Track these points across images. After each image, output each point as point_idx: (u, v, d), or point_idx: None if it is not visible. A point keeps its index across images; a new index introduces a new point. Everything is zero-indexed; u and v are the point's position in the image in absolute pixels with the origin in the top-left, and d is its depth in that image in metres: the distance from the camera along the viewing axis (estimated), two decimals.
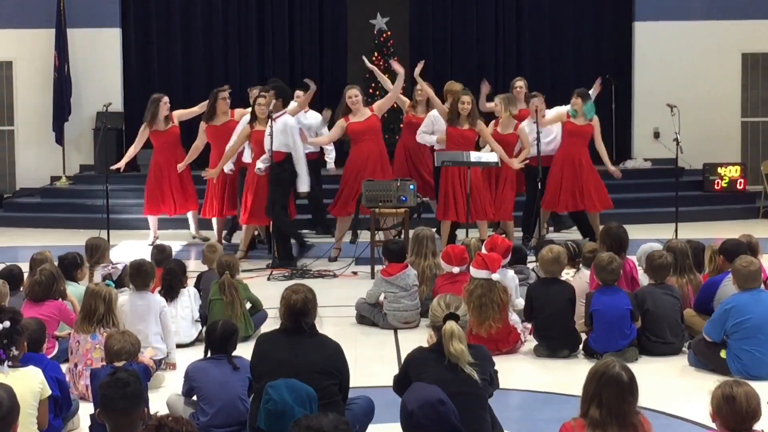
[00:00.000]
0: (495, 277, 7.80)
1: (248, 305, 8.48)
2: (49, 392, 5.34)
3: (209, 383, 6.02)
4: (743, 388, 4.37)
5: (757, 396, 4.39)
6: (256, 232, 12.76)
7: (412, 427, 4.76)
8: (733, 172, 15.73)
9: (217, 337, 6.18)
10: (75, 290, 8.19)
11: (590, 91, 12.73)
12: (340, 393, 5.55)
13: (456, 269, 8.45)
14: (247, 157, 12.10)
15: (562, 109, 12.73)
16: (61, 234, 13.08)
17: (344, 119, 11.96)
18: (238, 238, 12.63)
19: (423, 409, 4.74)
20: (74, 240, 12.15)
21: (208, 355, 6.22)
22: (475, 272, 7.89)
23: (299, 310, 5.57)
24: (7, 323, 5.31)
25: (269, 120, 11.44)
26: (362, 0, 18.10)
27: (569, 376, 7.11)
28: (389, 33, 18.11)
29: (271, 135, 11.38)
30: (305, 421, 3.95)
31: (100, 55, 16.56)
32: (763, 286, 7.41)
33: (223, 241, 12.72)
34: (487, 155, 11.81)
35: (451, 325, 5.35)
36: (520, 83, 13.25)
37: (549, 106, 12.87)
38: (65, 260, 8.45)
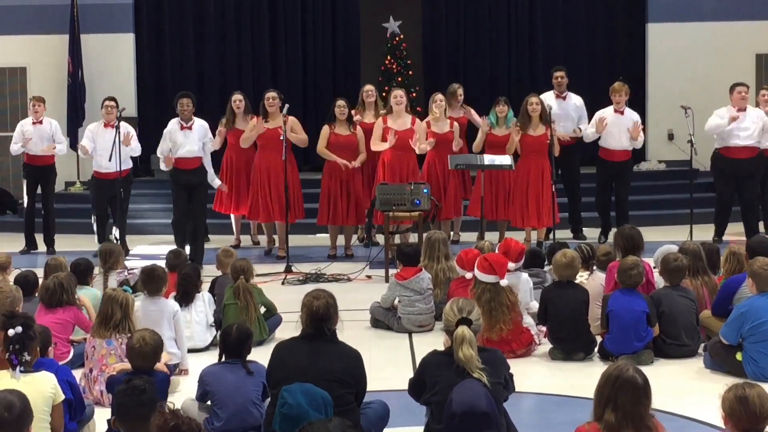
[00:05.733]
0: (503, 282, 7.75)
1: (263, 309, 8.49)
2: (63, 397, 5.33)
3: (223, 388, 6.02)
4: (755, 389, 4.35)
5: None
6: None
7: (451, 427, 4.97)
8: None
9: (232, 342, 6.17)
10: (88, 293, 8.23)
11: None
12: (355, 401, 5.54)
13: (469, 274, 8.31)
14: None
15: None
16: (75, 239, 13.09)
17: (382, 119, 11.99)
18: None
19: (465, 416, 4.92)
20: (89, 245, 12.21)
21: (223, 359, 6.23)
22: (482, 276, 7.81)
23: (321, 316, 5.56)
24: (19, 328, 5.30)
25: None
26: (375, 3, 18.10)
27: (584, 378, 7.08)
28: (402, 36, 18.09)
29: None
30: (311, 427, 3.94)
31: (113, 61, 16.58)
32: None
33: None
34: (500, 158, 11.79)
35: (462, 329, 5.34)
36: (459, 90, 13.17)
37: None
38: (79, 266, 8.48)
